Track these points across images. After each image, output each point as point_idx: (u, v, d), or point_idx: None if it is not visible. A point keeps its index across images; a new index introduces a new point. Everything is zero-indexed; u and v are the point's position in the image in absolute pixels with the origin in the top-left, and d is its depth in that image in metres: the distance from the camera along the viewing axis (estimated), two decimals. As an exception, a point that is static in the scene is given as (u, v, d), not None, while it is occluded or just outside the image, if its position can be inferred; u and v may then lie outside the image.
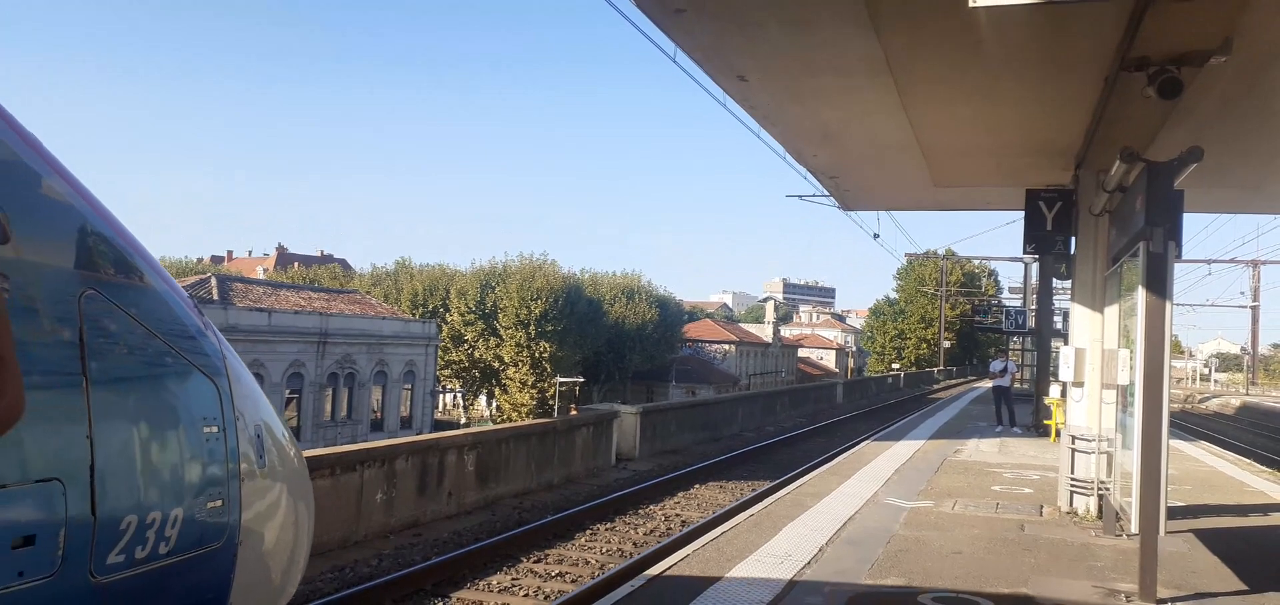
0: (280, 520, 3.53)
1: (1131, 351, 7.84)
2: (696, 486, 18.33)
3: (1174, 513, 10.34)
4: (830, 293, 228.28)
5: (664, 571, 7.89)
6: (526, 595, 10.29)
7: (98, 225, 2.80)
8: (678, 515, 15.33)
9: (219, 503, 3.04)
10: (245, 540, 3.19)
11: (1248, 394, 66.96)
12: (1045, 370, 24.05)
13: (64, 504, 2.41)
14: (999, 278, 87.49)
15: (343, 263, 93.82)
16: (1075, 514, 10.99)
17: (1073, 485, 11.06)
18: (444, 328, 57.98)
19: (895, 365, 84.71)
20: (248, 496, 3.22)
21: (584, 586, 10.19)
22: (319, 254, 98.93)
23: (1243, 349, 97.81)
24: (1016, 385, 29.03)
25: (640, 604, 6.95)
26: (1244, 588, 7.98)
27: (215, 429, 3.10)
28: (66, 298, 2.56)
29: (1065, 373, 11.09)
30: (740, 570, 7.91)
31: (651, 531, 13.90)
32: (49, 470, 2.39)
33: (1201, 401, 64.92)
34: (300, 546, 3.70)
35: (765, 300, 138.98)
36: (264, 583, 3.40)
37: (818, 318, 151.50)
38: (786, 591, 7.27)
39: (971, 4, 5.96)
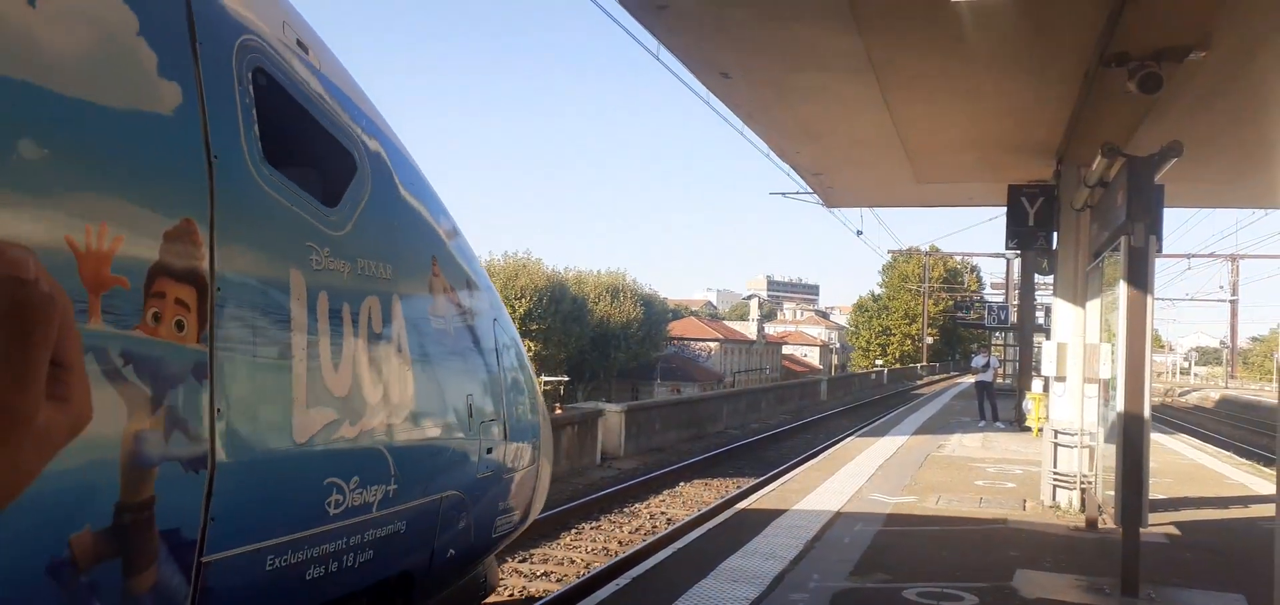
0: (548, 455, 5.42)
1: (1113, 345, 7.88)
2: (682, 484, 18.30)
3: (1156, 506, 10.40)
4: (814, 290, 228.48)
5: (647, 570, 7.87)
6: (510, 595, 10.23)
7: (487, 281, 4.92)
8: (663, 513, 15.31)
9: (534, 439, 4.95)
10: (540, 465, 5.11)
11: (1227, 387, 67.56)
12: (1027, 365, 24.19)
13: (499, 432, 4.50)
14: (981, 273, 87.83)
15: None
16: (1058, 508, 11.04)
17: (1055, 479, 11.11)
18: (428, 327, 57.60)
19: (879, 361, 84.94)
20: (541, 439, 5.17)
21: (568, 586, 10.14)
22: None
23: (1222, 343, 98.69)
24: (999, 380, 29.17)
25: (630, 596, 6.92)
26: (1226, 580, 8.03)
27: (528, 395, 5.07)
28: (489, 323, 4.67)
29: (1047, 367, 11.14)
30: (723, 565, 7.89)
31: (637, 530, 13.87)
32: (495, 415, 4.47)
33: (1181, 395, 65.46)
34: (547, 473, 5.53)
35: (749, 297, 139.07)
36: (541, 492, 5.32)
37: (802, 314, 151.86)
38: (770, 589, 7.25)
39: (953, -1, 5.96)
